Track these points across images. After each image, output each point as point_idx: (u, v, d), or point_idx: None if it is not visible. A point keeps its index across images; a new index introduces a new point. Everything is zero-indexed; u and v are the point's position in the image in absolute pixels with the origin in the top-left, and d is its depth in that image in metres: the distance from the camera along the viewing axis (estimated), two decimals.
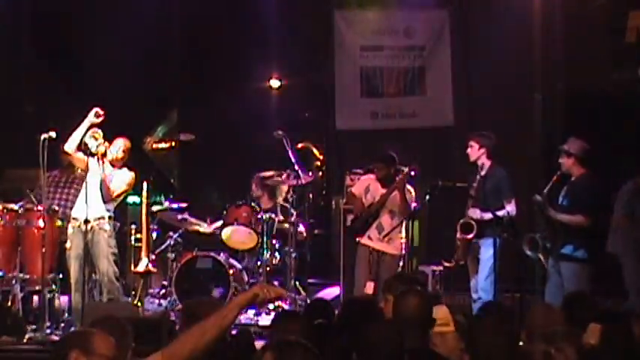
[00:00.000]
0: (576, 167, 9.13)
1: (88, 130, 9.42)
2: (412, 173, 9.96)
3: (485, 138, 9.70)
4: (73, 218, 9.57)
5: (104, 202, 9.51)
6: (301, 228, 11.09)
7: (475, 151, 9.62)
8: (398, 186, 9.85)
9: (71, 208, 9.98)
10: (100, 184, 9.45)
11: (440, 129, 13.10)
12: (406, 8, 13.28)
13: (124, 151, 9.67)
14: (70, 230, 9.58)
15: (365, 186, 10.23)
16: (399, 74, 13.30)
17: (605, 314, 5.33)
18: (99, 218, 9.49)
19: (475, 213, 9.56)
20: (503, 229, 9.45)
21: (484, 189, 9.58)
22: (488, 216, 9.47)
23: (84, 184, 9.46)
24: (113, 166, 9.64)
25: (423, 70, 13.26)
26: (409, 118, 13.25)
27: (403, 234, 10.08)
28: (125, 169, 9.70)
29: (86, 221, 9.37)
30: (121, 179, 9.62)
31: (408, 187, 10.07)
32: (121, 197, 9.80)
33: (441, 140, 12.96)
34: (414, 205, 10.15)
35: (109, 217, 9.57)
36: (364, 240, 10.07)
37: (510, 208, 9.47)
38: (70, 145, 9.46)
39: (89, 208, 9.38)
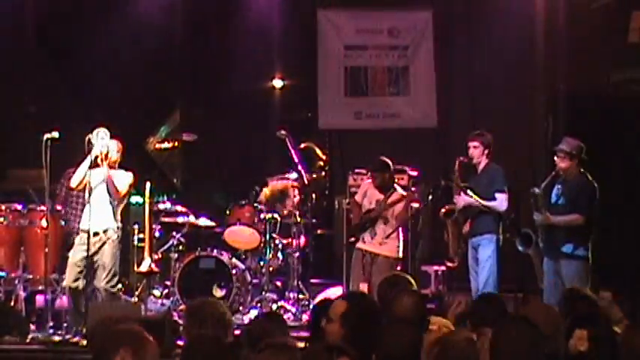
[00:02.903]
0: (574, 167, 9.13)
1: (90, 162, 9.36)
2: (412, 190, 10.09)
3: (485, 137, 9.72)
4: (83, 230, 9.40)
5: (112, 203, 9.41)
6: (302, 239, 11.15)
7: (480, 152, 9.62)
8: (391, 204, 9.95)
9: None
10: (107, 185, 9.38)
11: (442, 129, 13.10)
12: (390, 8, 13.31)
13: (117, 152, 9.52)
14: (77, 240, 9.43)
15: (363, 191, 10.28)
16: (383, 74, 13.32)
17: (586, 317, 5.32)
18: (106, 230, 9.41)
19: (459, 200, 9.57)
20: (505, 228, 9.46)
21: (479, 185, 9.59)
22: (475, 201, 9.46)
23: (87, 193, 9.33)
24: (111, 168, 9.54)
25: (407, 70, 13.28)
26: (392, 119, 13.27)
27: (400, 239, 10.09)
28: (122, 172, 9.58)
29: (95, 234, 9.30)
30: (122, 182, 9.51)
31: (400, 190, 10.13)
32: (126, 199, 9.71)
33: (443, 140, 12.96)
34: (416, 205, 10.20)
35: (117, 228, 9.46)
36: (358, 244, 10.12)
37: (500, 199, 9.46)
38: (75, 182, 9.39)
39: (96, 218, 9.30)
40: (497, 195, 9.48)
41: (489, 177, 9.60)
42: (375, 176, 10.12)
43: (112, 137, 9.46)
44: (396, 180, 10.35)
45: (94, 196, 9.33)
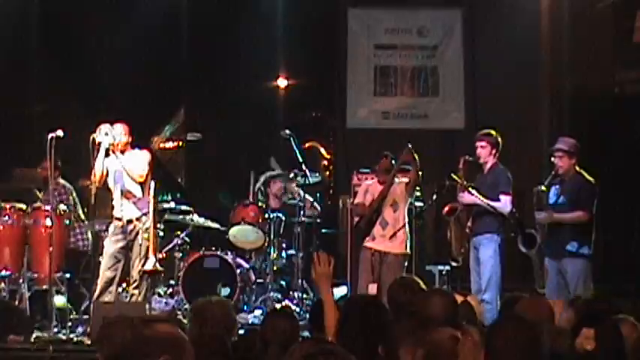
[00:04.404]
0: (572, 166, 9.11)
1: (105, 152, 9.36)
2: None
3: (493, 137, 9.68)
4: (116, 218, 9.50)
5: (135, 189, 9.45)
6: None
7: (487, 152, 9.59)
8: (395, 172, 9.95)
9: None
10: (124, 179, 9.42)
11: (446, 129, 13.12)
12: (419, 7, 13.30)
13: (126, 135, 9.49)
14: (111, 229, 9.51)
15: (364, 190, 10.24)
16: (413, 74, 13.33)
17: (594, 316, 5.31)
18: (138, 218, 9.48)
19: (463, 198, 9.54)
20: (510, 227, 9.44)
21: (484, 185, 9.56)
22: (479, 200, 9.43)
23: (110, 189, 9.43)
24: (123, 152, 9.52)
25: (436, 70, 13.28)
26: (420, 119, 13.27)
27: (408, 232, 10.07)
28: (137, 151, 9.58)
29: (129, 221, 9.41)
30: (139, 162, 9.50)
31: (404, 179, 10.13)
32: (149, 179, 9.68)
33: (447, 139, 12.96)
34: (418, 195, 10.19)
35: (145, 214, 9.54)
36: (367, 242, 10.03)
37: (504, 201, 9.42)
38: (97, 178, 9.41)
39: (128, 207, 9.43)
40: (501, 196, 9.44)
41: (495, 178, 9.56)
42: (386, 156, 10.08)
43: (116, 122, 9.48)
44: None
45: (119, 186, 9.42)
